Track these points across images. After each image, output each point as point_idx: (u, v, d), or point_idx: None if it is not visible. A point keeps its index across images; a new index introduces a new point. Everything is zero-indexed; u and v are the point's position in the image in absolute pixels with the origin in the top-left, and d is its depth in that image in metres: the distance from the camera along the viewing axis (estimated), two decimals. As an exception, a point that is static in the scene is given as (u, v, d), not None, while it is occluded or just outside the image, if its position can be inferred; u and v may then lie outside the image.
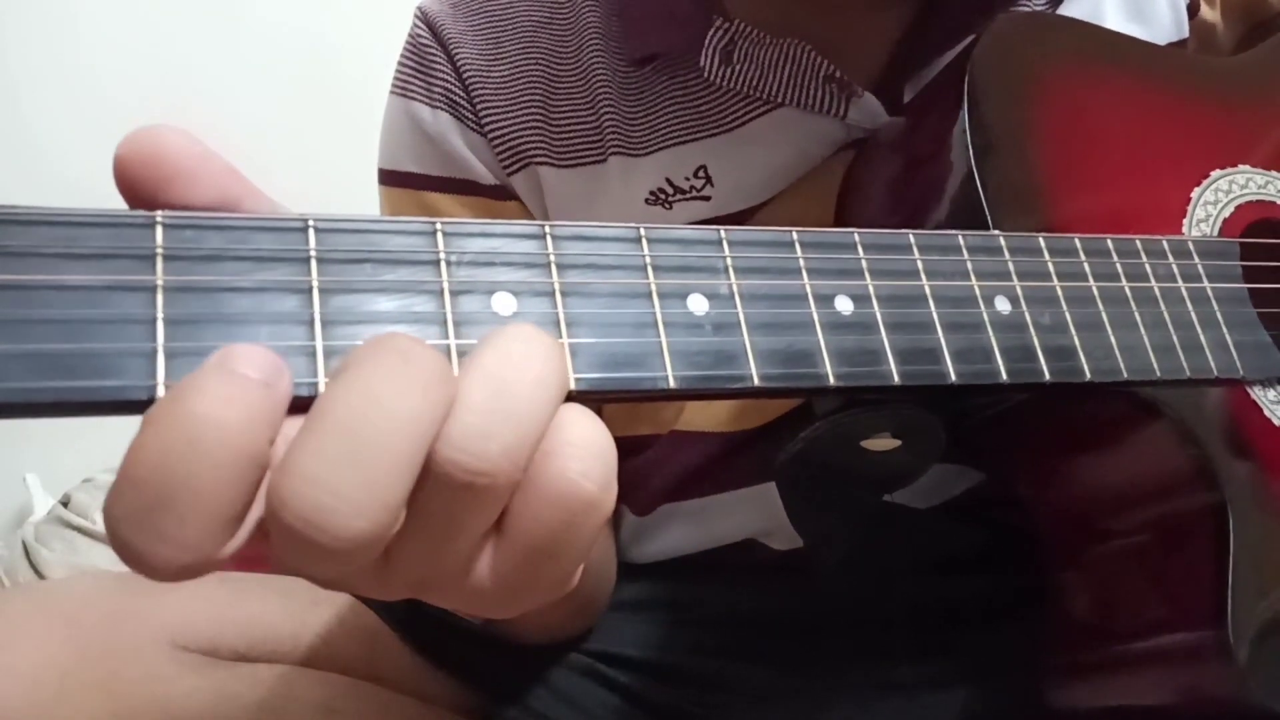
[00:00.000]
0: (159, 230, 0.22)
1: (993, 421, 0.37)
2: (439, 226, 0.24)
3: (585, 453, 0.21)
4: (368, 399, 0.19)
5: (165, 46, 1.15)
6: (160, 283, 0.21)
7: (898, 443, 0.34)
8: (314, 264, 0.23)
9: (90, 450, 1.05)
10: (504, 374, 0.21)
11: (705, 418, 0.49)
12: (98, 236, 0.21)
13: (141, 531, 0.18)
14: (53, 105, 1.14)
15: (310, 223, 0.23)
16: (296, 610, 0.47)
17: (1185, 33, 0.48)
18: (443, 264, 0.24)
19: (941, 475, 0.46)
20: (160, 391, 0.20)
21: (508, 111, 0.49)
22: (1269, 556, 0.33)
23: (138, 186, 0.22)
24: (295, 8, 1.18)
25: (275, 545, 0.20)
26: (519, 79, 0.50)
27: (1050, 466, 0.38)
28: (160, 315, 0.21)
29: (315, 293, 0.22)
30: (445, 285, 0.24)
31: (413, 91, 0.51)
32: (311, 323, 0.22)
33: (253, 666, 0.44)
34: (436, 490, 0.20)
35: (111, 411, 0.20)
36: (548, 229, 0.25)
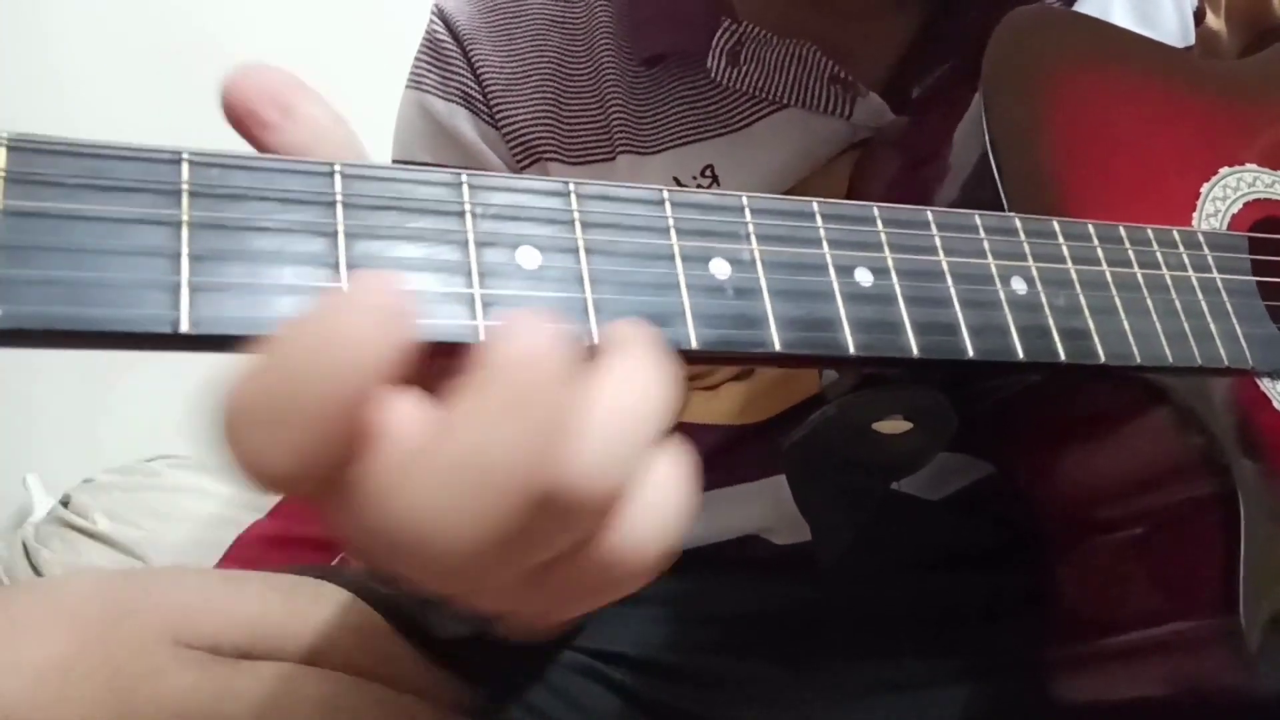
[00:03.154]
0: (185, 166, 0.21)
1: (1000, 409, 0.37)
2: (464, 179, 0.24)
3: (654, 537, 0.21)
4: (490, 439, 0.19)
5: (165, 53, 1.15)
6: (186, 218, 0.21)
7: (909, 425, 0.34)
8: (340, 208, 0.23)
9: (90, 450, 1.04)
10: (626, 411, 0.20)
11: (710, 410, 0.49)
12: (124, 170, 0.21)
13: (262, 430, 0.18)
14: (52, 114, 1.13)
15: (337, 168, 0.23)
16: (299, 608, 0.46)
17: (1191, 39, 0.48)
18: (468, 215, 0.24)
19: (943, 467, 0.46)
20: (184, 325, 0.20)
21: (520, 107, 0.50)
22: (1277, 544, 0.33)
23: (245, 119, 0.22)
24: (294, 15, 1.19)
25: (365, 542, 0.20)
26: (532, 76, 0.50)
27: (1057, 455, 0.38)
28: (185, 250, 0.21)
29: (341, 236, 0.22)
30: (471, 236, 0.24)
31: (427, 85, 0.51)
32: (336, 265, 0.22)
33: (255, 664, 0.43)
34: (539, 513, 0.20)
35: (132, 344, 0.20)
36: (573, 186, 0.25)
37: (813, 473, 0.38)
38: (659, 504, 0.21)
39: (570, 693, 0.49)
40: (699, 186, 0.48)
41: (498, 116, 0.50)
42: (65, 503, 1.01)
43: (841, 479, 0.38)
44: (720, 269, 0.26)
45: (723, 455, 0.49)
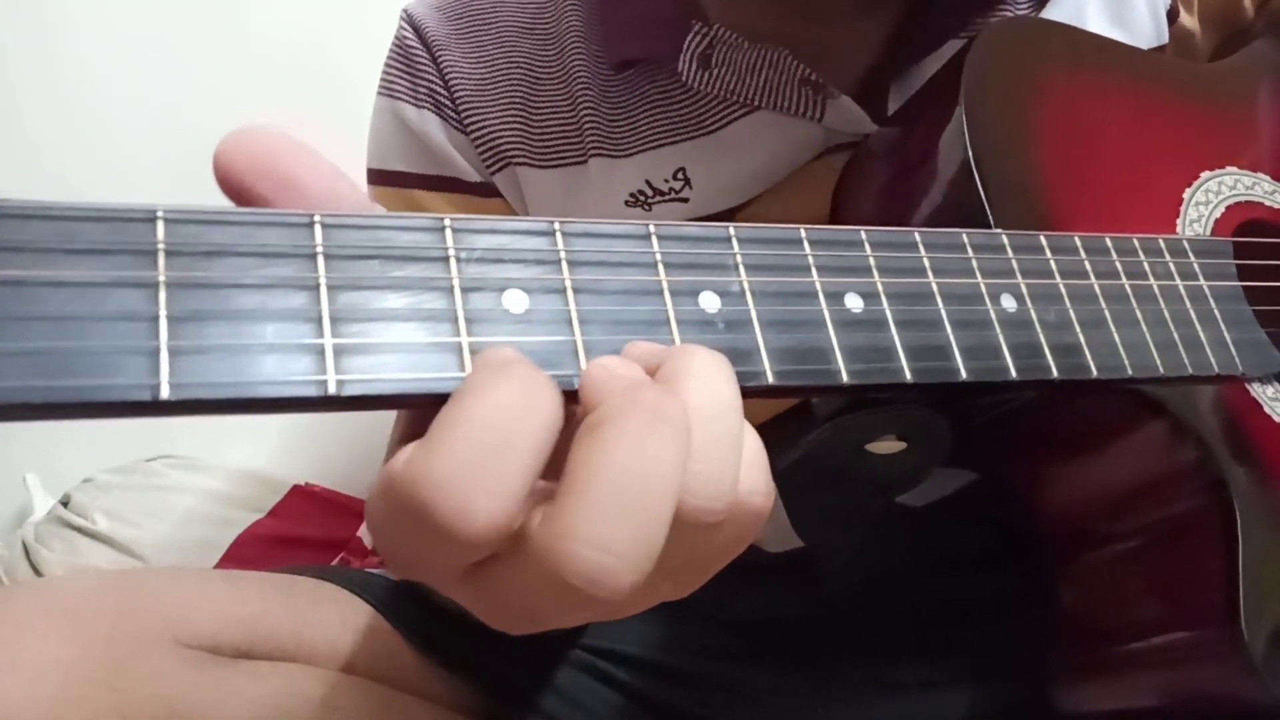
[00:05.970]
0: (160, 225, 0.21)
1: (995, 424, 0.37)
2: (448, 223, 0.24)
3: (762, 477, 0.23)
4: (634, 460, 0.20)
5: (164, 53, 1.14)
6: (162, 279, 0.20)
7: (903, 445, 0.34)
8: (321, 260, 0.22)
9: (90, 450, 1.03)
10: (713, 413, 0.21)
11: None
12: (97, 231, 0.20)
13: (470, 479, 0.19)
14: (50, 110, 1.12)
15: (316, 218, 0.22)
16: (299, 608, 0.46)
17: (1165, 39, 0.48)
18: (453, 260, 0.23)
19: (936, 474, 0.46)
20: (165, 392, 0.19)
21: (489, 112, 0.50)
22: (1276, 550, 0.33)
23: (246, 193, 0.22)
24: (293, 14, 1.18)
25: (533, 593, 0.20)
26: (500, 81, 0.51)
27: (1053, 468, 0.38)
28: (163, 312, 0.20)
29: (323, 289, 0.22)
30: (456, 282, 0.23)
31: (398, 91, 0.51)
32: (319, 320, 0.21)
33: (255, 664, 0.43)
34: (680, 538, 0.21)
35: (112, 413, 0.20)
36: (557, 225, 0.25)
37: (808, 493, 0.37)
38: (752, 461, 0.22)
39: (572, 691, 0.49)
40: (671, 189, 0.48)
41: (466, 122, 0.50)
42: (65, 502, 0.99)
43: (837, 498, 0.37)
44: (710, 302, 0.26)
45: None
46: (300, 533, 0.99)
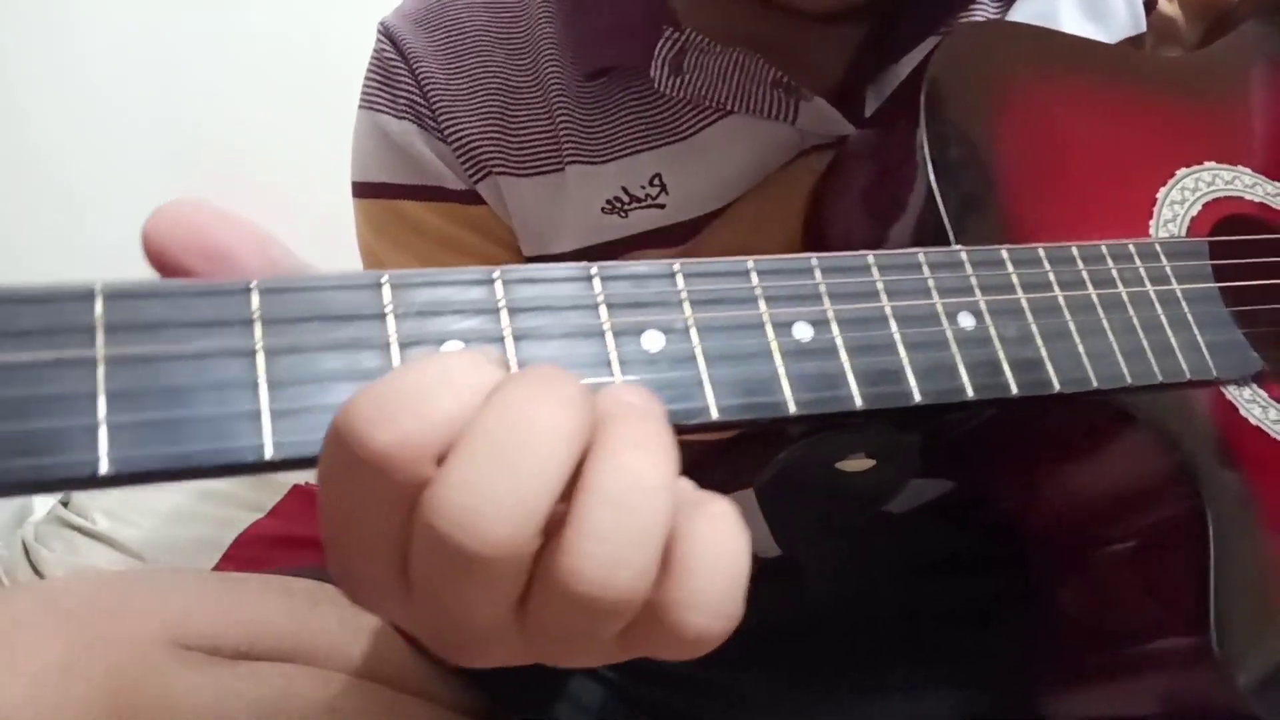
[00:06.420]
0: (99, 302, 0.21)
1: (971, 436, 0.37)
2: (384, 280, 0.24)
3: (711, 598, 0.21)
4: (512, 413, 0.20)
5: (163, 51, 1.15)
6: (101, 355, 0.21)
7: (872, 463, 0.34)
8: (258, 326, 0.23)
9: None
10: (624, 496, 0.20)
11: None
12: (35, 314, 0.21)
13: (391, 419, 0.20)
14: (50, 111, 1.13)
15: (253, 285, 0.23)
16: (298, 609, 0.46)
17: (1143, 27, 0.47)
18: (389, 317, 0.24)
19: (919, 482, 0.46)
20: (104, 467, 0.20)
21: (467, 122, 0.50)
22: (1251, 555, 0.33)
23: (178, 270, 0.23)
24: (292, 13, 1.18)
25: (425, 568, 0.20)
26: (477, 91, 0.51)
27: (1030, 479, 0.38)
28: (101, 389, 0.21)
29: (260, 355, 0.22)
30: (393, 339, 0.24)
31: (379, 104, 0.52)
32: (256, 386, 0.22)
33: (254, 664, 0.44)
34: (567, 612, 0.21)
35: (59, 488, 0.20)
36: (497, 274, 0.25)
37: (785, 509, 0.38)
38: (709, 562, 0.21)
39: (571, 693, 0.50)
40: (648, 196, 0.48)
41: (446, 132, 0.51)
42: (65, 502, 1.01)
43: (814, 513, 0.38)
44: (653, 341, 0.26)
45: (687, 474, 0.49)
46: (300, 533, 0.99)
